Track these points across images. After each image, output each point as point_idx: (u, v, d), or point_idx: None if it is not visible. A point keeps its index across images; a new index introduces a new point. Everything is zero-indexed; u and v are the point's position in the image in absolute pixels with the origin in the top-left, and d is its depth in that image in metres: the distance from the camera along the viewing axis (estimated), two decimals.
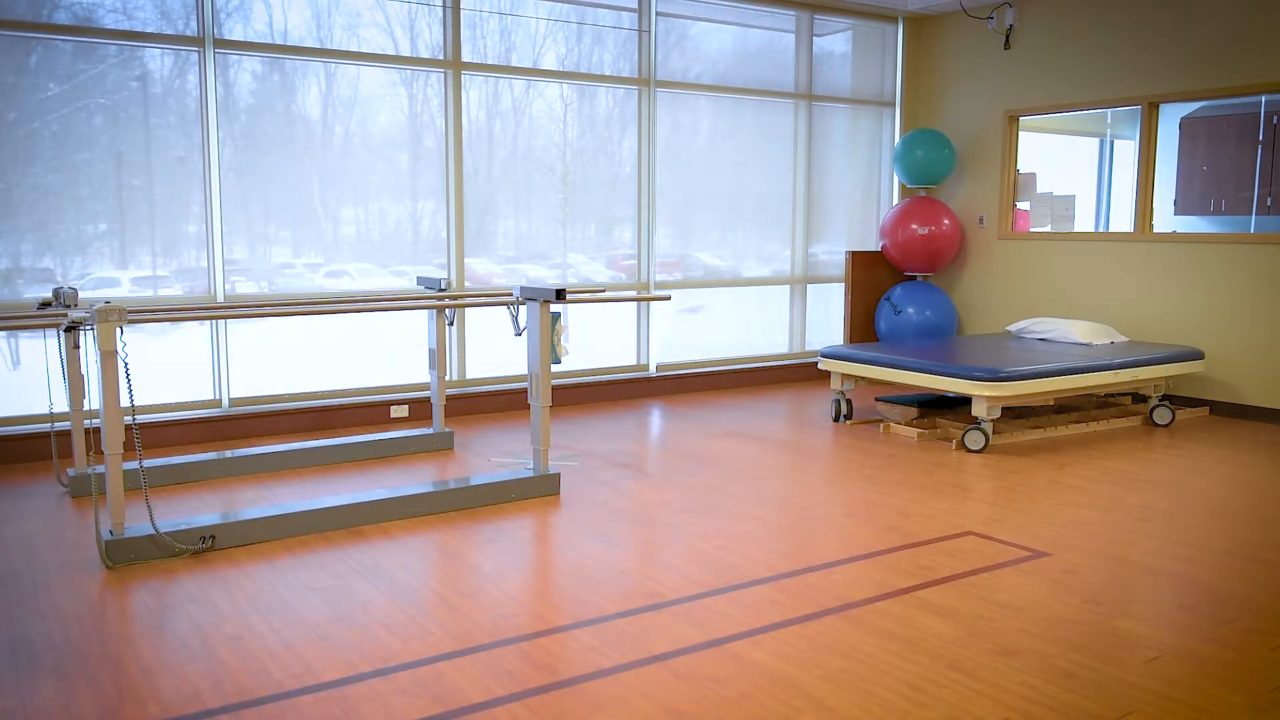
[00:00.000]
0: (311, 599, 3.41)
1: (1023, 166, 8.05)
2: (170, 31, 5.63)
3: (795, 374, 8.28)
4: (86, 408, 4.64)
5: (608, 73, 7.21)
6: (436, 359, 5.56)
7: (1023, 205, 8.06)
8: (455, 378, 6.77)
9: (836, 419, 6.59)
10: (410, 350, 6.47)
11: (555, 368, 4.77)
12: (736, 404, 7.24)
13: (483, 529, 4.23)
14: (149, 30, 5.57)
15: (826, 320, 8.55)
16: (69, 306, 4.50)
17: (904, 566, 3.76)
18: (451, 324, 6.11)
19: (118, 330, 3.70)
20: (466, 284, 6.73)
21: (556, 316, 4.70)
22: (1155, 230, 7.18)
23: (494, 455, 5.56)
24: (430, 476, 5.11)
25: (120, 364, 3.72)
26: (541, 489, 4.72)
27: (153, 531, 3.79)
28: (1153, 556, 3.89)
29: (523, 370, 6.83)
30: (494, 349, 6.84)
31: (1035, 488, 4.93)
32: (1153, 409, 6.47)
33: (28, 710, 2.63)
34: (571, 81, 7.06)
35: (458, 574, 3.69)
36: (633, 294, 7.44)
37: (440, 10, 6.48)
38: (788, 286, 8.32)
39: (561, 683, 2.79)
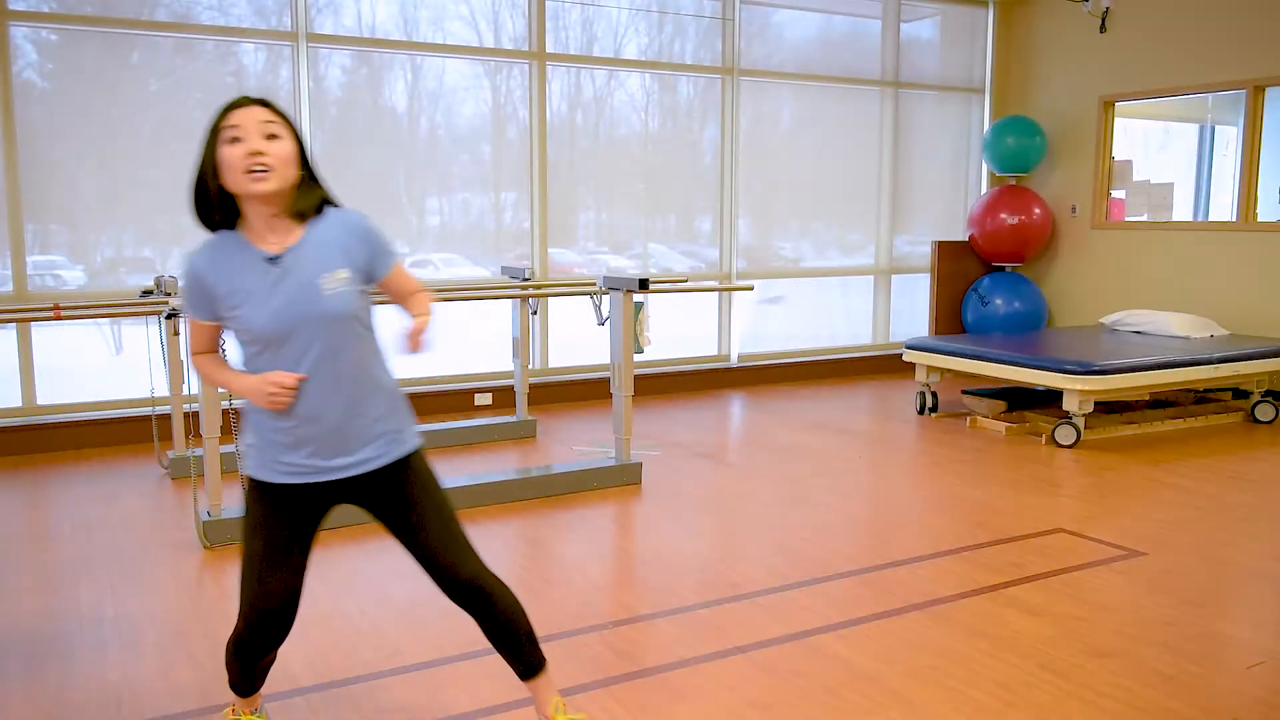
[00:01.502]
0: (399, 582, 3.48)
1: (1118, 154, 7.81)
2: (264, 26, 5.78)
3: (879, 366, 8.16)
4: (186, 393, 4.80)
5: (689, 62, 7.19)
6: (520, 348, 5.62)
7: (1118, 194, 7.81)
8: (538, 366, 6.83)
9: (921, 412, 6.49)
10: (494, 339, 6.55)
11: (637, 357, 4.78)
12: (819, 395, 7.17)
13: (565, 517, 4.26)
14: (244, 26, 5.72)
15: (911, 312, 8.41)
16: (169, 294, 4.65)
17: (992, 563, 3.69)
18: (535, 313, 6.16)
19: None
20: (549, 274, 6.78)
21: (639, 306, 4.71)
22: (1259, 220, 6.90)
23: (576, 444, 5.60)
24: (513, 464, 5.17)
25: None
26: (623, 478, 4.74)
27: None
28: (1255, 558, 3.75)
29: (605, 359, 6.85)
30: (576, 338, 6.88)
31: (1130, 485, 4.78)
32: (1255, 405, 6.22)
33: (131, 682, 2.74)
34: (654, 71, 7.06)
35: (541, 561, 3.73)
36: (715, 284, 7.41)
37: (524, 2, 6.53)
38: (872, 277, 8.21)
39: (644, 671, 2.80)
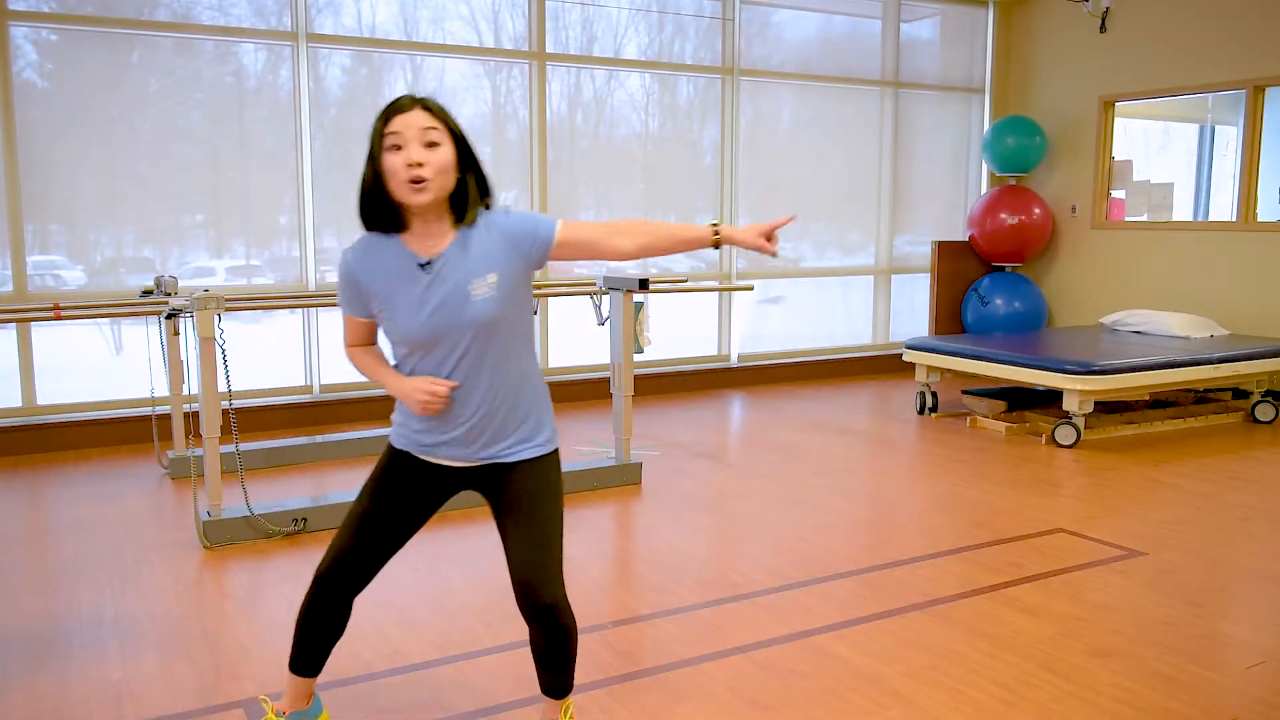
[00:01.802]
0: (400, 582, 3.48)
1: (1118, 154, 7.81)
2: (264, 26, 5.78)
3: (879, 366, 8.16)
4: (186, 393, 4.80)
5: (689, 62, 7.19)
6: None
7: (1118, 193, 7.82)
8: None
9: (921, 412, 6.49)
10: None
11: (637, 357, 4.79)
12: (819, 395, 7.18)
13: (565, 517, 4.25)
14: (244, 26, 5.72)
15: (911, 312, 8.41)
16: (169, 294, 4.65)
17: (992, 563, 3.69)
18: (535, 313, 6.15)
19: (216, 317, 3.81)
20: (548, 274, 6.78)
21: (639, 306, 4.71)
22: (1259, 220, 6.90)
23: (576, 444, 5.60)
24: None
25: (218, 350, 3.83)
26: (623, 478, 4.74)
27: (248, 513, 3.90)
28: (1255, 558, 3.75)
29: (604, 359, 6.86)
30: (576, 338, 6.88)
31: (1129, 485, 4.78)
32: (1255, 405, 6.22)
33: (130, 682, 2.74)
34: (654, 71, 7.06)
35: None
36: (715, 284, 7.42)
37: (524, 2, 6.53)
38: (872, 277, 8.21)
39: (644, 671, 2.80)
